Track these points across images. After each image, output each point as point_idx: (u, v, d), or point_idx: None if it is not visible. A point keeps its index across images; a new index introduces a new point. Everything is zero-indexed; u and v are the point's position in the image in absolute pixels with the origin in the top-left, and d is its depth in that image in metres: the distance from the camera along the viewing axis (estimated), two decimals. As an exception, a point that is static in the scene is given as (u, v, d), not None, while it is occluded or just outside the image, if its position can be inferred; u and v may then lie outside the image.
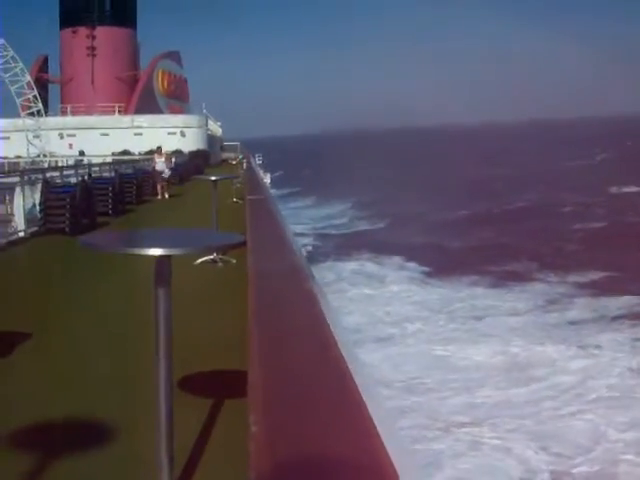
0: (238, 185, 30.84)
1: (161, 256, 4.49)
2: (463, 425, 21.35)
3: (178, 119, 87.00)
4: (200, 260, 13.34)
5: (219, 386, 7.10)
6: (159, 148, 40.78)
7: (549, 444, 20.05)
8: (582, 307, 33.81)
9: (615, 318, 31.67)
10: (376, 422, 2.05)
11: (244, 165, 52.75)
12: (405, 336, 30.04)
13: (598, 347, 27.45)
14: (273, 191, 50.51)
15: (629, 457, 19.23)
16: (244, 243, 5.45)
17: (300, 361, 2.63)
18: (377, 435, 1.93)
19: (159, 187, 36.95)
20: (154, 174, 37.91)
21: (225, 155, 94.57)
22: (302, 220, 68.26)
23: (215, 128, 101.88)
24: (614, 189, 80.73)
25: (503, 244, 50.12)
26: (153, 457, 4.69)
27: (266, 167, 74.69)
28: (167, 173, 37.70)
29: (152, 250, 4.42)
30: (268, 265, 5.04)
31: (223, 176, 21.12)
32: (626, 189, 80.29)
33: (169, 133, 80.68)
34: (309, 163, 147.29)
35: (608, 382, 24.17)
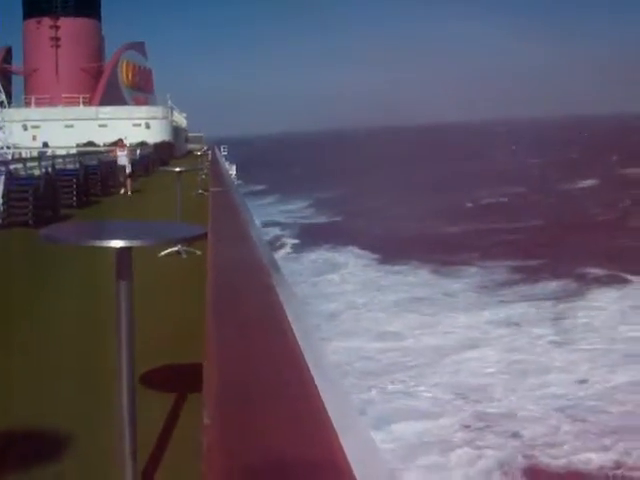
0: (203, 177, 30.77)
1: (122, 248, 4.46)
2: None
3: (143, 110, 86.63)
4: (164, 252, 13.30)
5: (181, 379, 7.07)
6: (120, 140, 39.91)
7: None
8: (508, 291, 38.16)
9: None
10: (333, 416, 2.03)
11: (209, 157, 52.64)
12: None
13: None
14: (238, 183, 50.59)
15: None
16: (205, 235, 5.41)
17: (257, 354, 2.61)
18: (333, 429, 1.91)
19: (123, 183, 35.13)
20: (116, 169, 36.28)
21: (190, 146, 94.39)
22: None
23: (180, 119, 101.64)
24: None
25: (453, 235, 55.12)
26: (116, 452, 4.67)
27: (231, 159, 74.67)
28: (129, 167, 35.39)
29: (113, 242, 4.38)
30: (228, 257, 5.00)
31: (188, 168, 21.09)
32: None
33: (134, 125, 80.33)
34: (278, 161, 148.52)
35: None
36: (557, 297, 35.98)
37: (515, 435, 21.14)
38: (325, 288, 39.50)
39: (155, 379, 6.79)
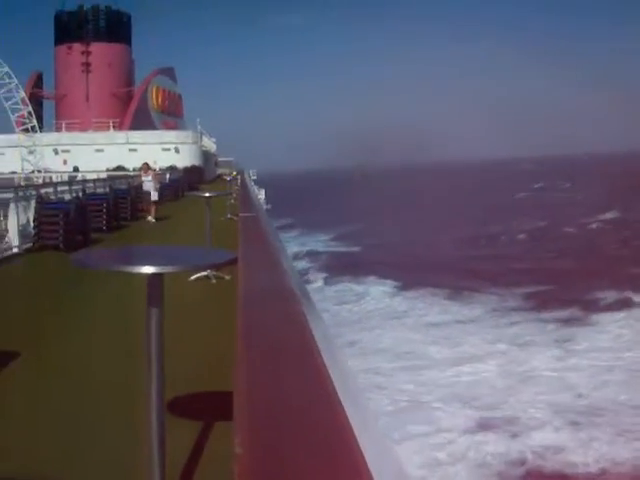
0: (232, 201, 30.82)
1: (153, 274, 4.46)
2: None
3: (172, 135, 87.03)
4: (194, 277, 13.30)
5: (210, 406, 7.04)
6: (145, 165, 35.73)
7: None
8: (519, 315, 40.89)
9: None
10: (363, 445, 2.02)
11: (238, 181, 52.78)
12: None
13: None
14: (267, 207, 50.76)
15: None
16: (236, 260, 5.40)
17: (287, 383, 2.60)
18: (363, 459, 1.90)
19: (147, 209, 32.54)
20: (141, 195, 33.79)
21: (220, 171, 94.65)
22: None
23: (209, 144, 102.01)
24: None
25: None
26: (145, 478, 4.65)
27: (260, 183, 74.89)
28: (155, 195, 32.47)
29: (144, 268, 4.38)
30: (258, 283, 5.00)
31: (217, 193, 21.12)
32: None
33: (163, 149, 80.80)
34: (304, 196, 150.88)
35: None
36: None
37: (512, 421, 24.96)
38: (348, 316, 41.72)
39: (184, 405, 6.76)
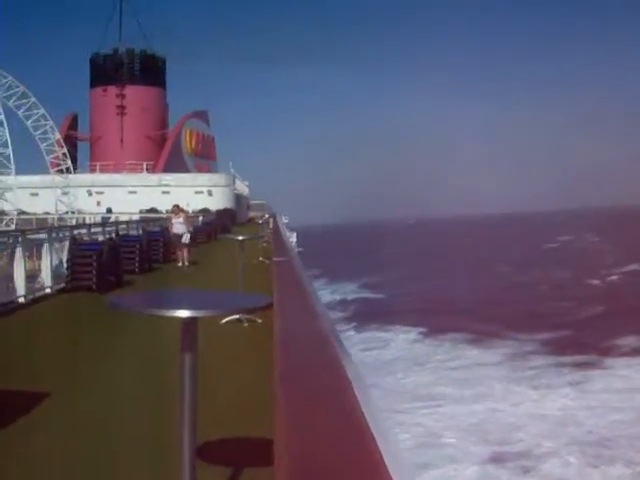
0: (264, 244, 30.87)
1: (188, 318, 4.44)
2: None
3: (205, 178, 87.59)
4: (226, 319, 13.25)
5: (244, 453, 6.97)
6: (176, 207, 33.28)
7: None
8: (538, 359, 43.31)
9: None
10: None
11: (270, 224, 52.91)
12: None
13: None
14: (299, 250, 51.07)
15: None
16: (271, 305, 5.37)
17: (327, 430, 2.56)
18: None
19: (178, 253, 30.99)
20: (171, 238, 31.77)
21: (252, 214, 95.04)
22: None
23: (242, 187, 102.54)
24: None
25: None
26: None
27: (293, 225, 75.41)
28: (187, 238, 30.85)
29: (179, 312, 4.37)
30: (295, 329, 4.97)
31: (250, 236, 21.15)
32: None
33: (196, 192, 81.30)
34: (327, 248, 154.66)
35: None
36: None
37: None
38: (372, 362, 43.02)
39: (217, 451, 6.70)
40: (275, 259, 13.71)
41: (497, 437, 29.20)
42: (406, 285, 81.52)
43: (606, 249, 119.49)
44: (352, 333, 53.27)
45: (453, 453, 27.54)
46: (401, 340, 51.66)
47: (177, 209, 32.68)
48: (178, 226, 31.04)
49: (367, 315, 61.40)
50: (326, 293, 76.97)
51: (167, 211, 67.11)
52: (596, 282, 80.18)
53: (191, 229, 32.88)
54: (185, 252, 30.67)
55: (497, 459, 26.78)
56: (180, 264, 30.18)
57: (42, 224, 53.83)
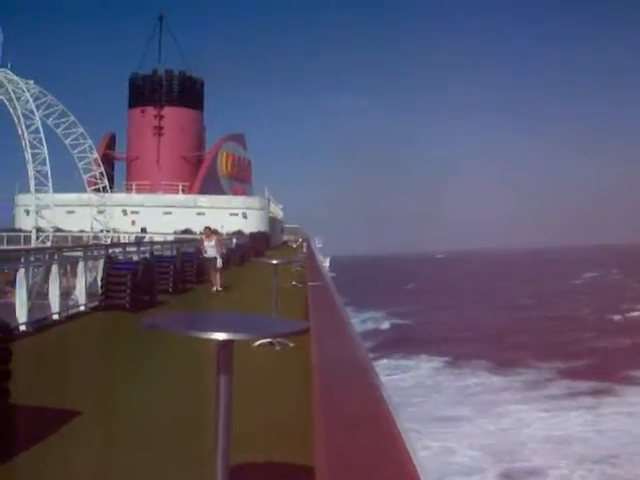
0: (298, 268, 30.87)
1: (224, 341, 4.46)
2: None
3: (240, 201, 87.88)
4: (258, 343, 13.24)
5: (277, 477, 6.95)
6: (207, 229, 31.70)
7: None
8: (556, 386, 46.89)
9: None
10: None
11: (304, 249, 52.95)
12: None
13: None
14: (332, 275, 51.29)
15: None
16: (308, 330, 5.39)
17: (368, 458, 2.55)
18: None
19: (212, 277, 29.72)
20: (203, 261, 31.02)
21: (286, 237, 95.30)
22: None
23: (276, 210, 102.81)
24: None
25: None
26: None
27: (326, 252, 75.70)
28: (220, 263, 29.71)
29: (216, 334, 4.38)
30: (332, 354, 4.97)
31: (284, 260, 21.12)
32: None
33: (231, 214, 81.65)
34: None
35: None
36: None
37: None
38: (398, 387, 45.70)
39: (250, 474, 6.69)
40: (310, 283, 13.72)
41: (513, 457, 32.23)
42: (434, 314, 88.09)
43: (630, 285, 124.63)
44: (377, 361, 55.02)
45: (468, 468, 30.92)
46: (427, 368, 55.34)
47: (209, 231, 31.04)
48: (210, 250, 29.76)
49: (394, 344, 65.07)
50: (356, 321, 77.82)
51: (201, 233, 67.51)
52: (618, 317, 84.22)
53: (224, 251, 31.90)
54: (218, 276, 29.39)
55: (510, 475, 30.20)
56: (214, 289, 28.86)
57: (77, 242, 54.17)
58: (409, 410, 37.15)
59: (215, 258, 29.53)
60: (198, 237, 54.43)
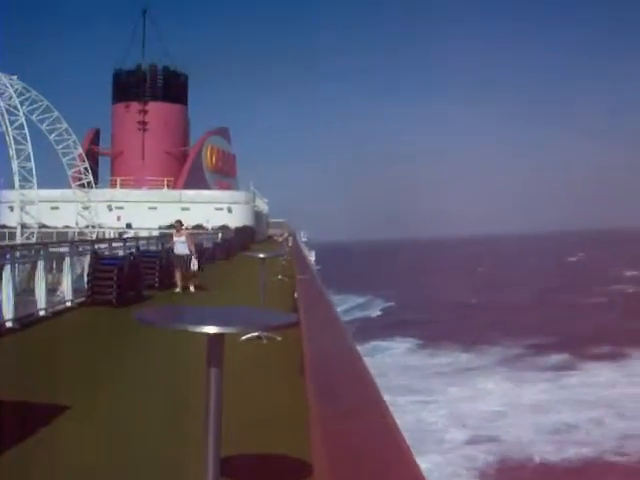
0: (284, 262, 30.87)
1: (215, 334, 4.47)
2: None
3: (225, 195, 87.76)
4: (246, 336, 13.23)
5: (268, 469, 6.96)
6: (178, 222, 28.19)
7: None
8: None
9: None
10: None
11: (289, 242, 52.95)
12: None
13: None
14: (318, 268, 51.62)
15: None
16: (297, 323, 5.40)
17: (366, 446, 2.57)
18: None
19: (178, 276, 26.26)
20: (172, 258, 26.88)
21: (271, 231, 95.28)
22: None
23: (262, 205, 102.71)
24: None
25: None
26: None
27: (311, 245, 76.07)
28: (194, 263, 26.13)
29: (207, 328, 4.39)
30: (324, 346, 4.99)
31: (271, 253, 21.11)
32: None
33: (216, 209, 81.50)
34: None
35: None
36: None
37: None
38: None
39: (241, 467, 6.69)
40: (298, 277, 13.73)
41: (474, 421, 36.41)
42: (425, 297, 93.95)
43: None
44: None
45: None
46: (401, 349, 59.86)
47: (179, 225, 27.76)
48: (180, 246, 26.54)
49: (372, 327, 69.14)
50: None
51: (187, 228, 67.36)
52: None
53: (193, 249, 26.82)
54: (190, 277, 26.36)
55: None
56: (178, 289, 25.89)
57: (62, 238, 54.01)
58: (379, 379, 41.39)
59: (186, 256, 26.24)
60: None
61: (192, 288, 25.95)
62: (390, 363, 52.36)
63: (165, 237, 36.05)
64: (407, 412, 35.80)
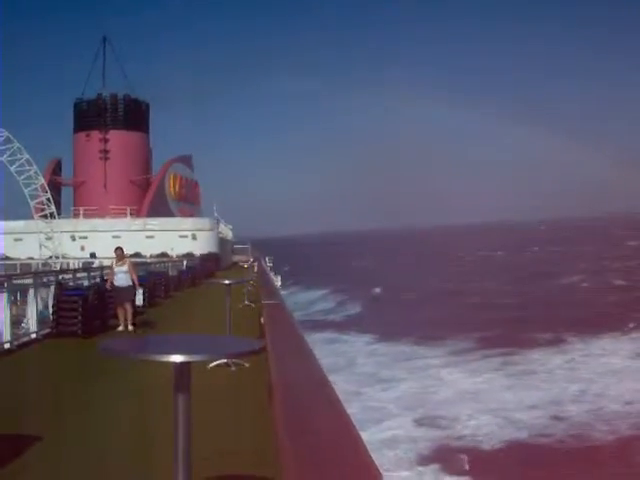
0: (249, 288, 30.85)
1: (182, 363, 4.46)
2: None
3: (189, 222, 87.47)
4: (214, 364, 13.20)
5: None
6: (119, 249, 24.00)
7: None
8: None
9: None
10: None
11: (255, 268, 52.88)
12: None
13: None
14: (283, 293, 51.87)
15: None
16: (265, 349, 5.40)
17: (337, 472, 2.58)
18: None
19: (120, 312, 22.66)
20: (112, 291, 23.25)
21: (236, 258, 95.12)
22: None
23: (226, 231, 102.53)
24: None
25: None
26: None
27: (276, 269, 76.26)
28: (140, 298, 23.71)
29: (173, 357, 4.38)
30: (291, 371, 4.99)
31: (236, 280, 21.10)
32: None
33: (180, 236, 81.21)
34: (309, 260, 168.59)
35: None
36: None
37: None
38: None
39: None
40: (264, 302, 13.73)
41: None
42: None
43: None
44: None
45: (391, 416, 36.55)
46: (360, 343, 61.32)
47: (120, 253, 23.86)
48: (121, 276, 23.16)
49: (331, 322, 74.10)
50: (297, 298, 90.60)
51: (151, 255, 67.14)
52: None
53: (135, 279, 23.47)
54: (130, 312, 22.80)
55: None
56: (121, 328, 22.43)
57: (26, 269, 53.68)
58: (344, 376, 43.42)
59: (129, 287, 23.08)
60: (148, 261, 54.07)
61: (130, 326, 22.51)
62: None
63: (89, 265, 32.64)
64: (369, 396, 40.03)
